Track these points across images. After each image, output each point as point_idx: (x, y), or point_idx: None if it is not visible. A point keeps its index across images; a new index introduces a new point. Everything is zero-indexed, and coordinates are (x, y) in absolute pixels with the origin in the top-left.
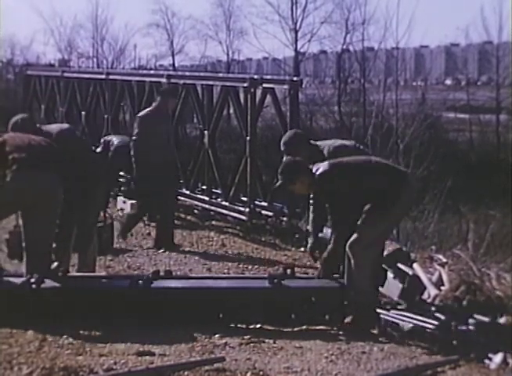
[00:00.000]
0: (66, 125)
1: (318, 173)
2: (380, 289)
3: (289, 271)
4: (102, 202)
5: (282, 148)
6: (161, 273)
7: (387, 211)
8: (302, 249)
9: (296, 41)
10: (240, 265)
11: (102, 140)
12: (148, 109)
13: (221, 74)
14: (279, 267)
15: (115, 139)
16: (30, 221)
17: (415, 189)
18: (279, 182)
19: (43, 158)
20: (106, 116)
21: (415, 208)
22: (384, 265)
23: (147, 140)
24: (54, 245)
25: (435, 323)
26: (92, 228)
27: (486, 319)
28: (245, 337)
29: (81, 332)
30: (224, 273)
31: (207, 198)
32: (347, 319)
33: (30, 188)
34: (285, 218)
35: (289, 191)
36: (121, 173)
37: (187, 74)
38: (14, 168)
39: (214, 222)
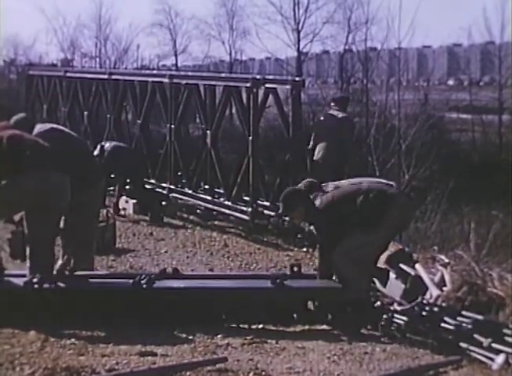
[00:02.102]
0: (48, 125)
1: (314, 210)
2: (382, 289)
3: (295, 269)
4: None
5: (280, 204)
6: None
7: (375, 227)
8: (304, 249)
9: (298, 41)
10: (242, 265)
11: (98, 146)
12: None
13: (223, 74)
14: (281, 267)
15: (108, 144)
16: (36, 220)
17: (405, 208)
18: (280, 210)
19: (54, 157)
20: (108, 116)
21: (416, 209)
22: (378, 267)
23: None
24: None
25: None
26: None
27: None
28: (247, 337)
29: (83, 332)
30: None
31: (209, 198)
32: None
33: (43, 187)
34: (287, 218)
35: (289, 218)
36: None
37: (190, 74)
38: (27, 166)
39: (216, 222)
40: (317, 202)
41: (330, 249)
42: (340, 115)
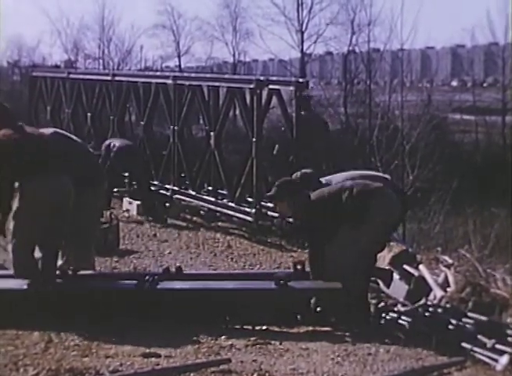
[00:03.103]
0: (50, 129)
1: (299, 207)
2: (386, 290)
3: (299, 267)
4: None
5: (273, 188)
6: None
7: (361, 223)
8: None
9: (302, 42)
10: (246, 267)
11: (104, 144)
12: None
13: (227, 76)
14: (284, 268)
15: (116, 142)
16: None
17: (390, 202)
18: (271, 193)
19: (59, 160)
20: (111, 117)
21: (420, 210)
22: (382, 268)
23: None
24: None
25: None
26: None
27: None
28: (251, 338)
29: (87, 333)
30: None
31: (213, 199)
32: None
33: (60, 191)
34: (291, 219)
35: (276, 205)
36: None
37: (193, 75)
38: (39, 172)
39: (220, 223)
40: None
41: (317, 247)
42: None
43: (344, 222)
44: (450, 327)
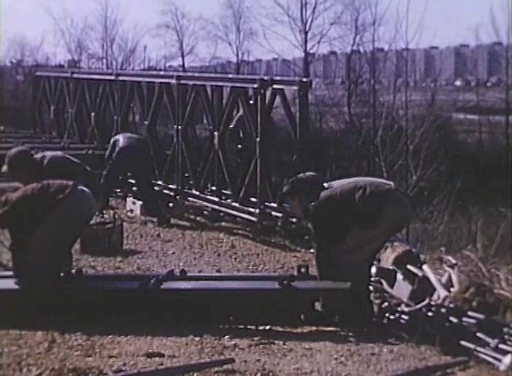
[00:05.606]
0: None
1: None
2: (390, 290)
3: (303, 270)
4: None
5: (286, 185)
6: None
7: (373, 224)
8: (312, 250)
9: (305, 42)
10: (250, 267)
11: (111, 140)
12: None
13: (230, 75)
14: (288, 268)
15: (121, 140)
16: None
17: (401, 204)
18: (284, 190)
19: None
20: (115, 117)
21: (425, 209)
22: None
23: None
24: None
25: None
26: None
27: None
28: (254, 338)
29: (91, 333)
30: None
31: (216, 199)
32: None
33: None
34: (295, 220)
35: (288, 204)
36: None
37: (197, 75)
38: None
39: (223, 224)
40: (312, 204)
41: (326, 247)
42: None
43: (354, 222)
44: (453, 327)
